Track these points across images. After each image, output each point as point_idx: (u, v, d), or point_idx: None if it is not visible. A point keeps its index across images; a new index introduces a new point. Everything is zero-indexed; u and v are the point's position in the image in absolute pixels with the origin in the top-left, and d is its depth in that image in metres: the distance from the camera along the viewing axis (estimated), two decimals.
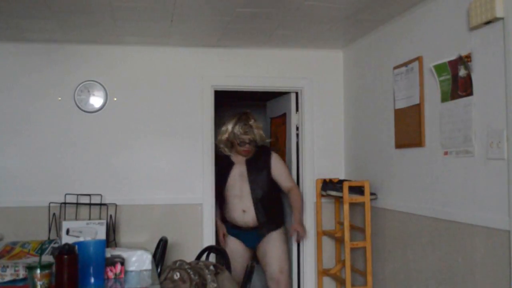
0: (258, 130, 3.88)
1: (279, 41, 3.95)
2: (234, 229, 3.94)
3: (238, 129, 3.83)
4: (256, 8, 3.13)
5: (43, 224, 3.75)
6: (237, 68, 4.15)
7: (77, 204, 3.81)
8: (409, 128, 3.16)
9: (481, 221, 2.48)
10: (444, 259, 2.80)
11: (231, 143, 3.92)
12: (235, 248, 3.93)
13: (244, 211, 3.86)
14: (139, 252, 2.78)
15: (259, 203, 3.86)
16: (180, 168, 4.04)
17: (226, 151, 3.97)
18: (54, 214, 3.76)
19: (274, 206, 3.98)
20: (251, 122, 3.86)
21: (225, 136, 3.90)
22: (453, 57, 2.70)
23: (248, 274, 2.70)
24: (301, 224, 3.93)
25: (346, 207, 3.54)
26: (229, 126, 3.88)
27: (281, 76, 4.20)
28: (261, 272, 4.15)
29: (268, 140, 4.04)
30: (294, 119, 4.36)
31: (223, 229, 4.00)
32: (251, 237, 3.91)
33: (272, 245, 3.88)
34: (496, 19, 2.36)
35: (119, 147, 3.97)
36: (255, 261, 3.15)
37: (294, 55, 4.21)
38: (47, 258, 2.74)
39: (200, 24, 3.46)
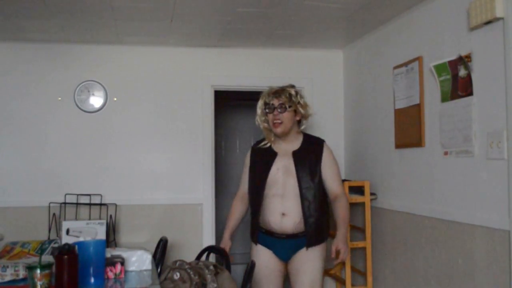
0: (293, 94, 3.09)
1: (279, 41, 3.94)
2: (267, 237, 3.13)
3: (267, 94, 3.10)
4: (256, 8, 3.13)
5: (43, 224, 3.75)
6: (237, 68, 4.15)
7: (77, 204, 3.81)
8: (409, 128, 3.16)
9: (481, 221, 2.48)
10: (444, 259, 2.80)
11: (267, 121, 3.14)
12: (266, 261, 3.11)
13: (283, 214, 3.05)
14: (139, 252, 2.78)
15: (310, 205, 3.05)
16: (180, 168, 4.04)
17: (269, 136, 3.18)
18: (54, 214, 3.76)
19: (323, 214, 3.14)
20: (286, 86, 3.15)
21: (259, 112, 3.14)
22: (453, 57, 2.69)
23: (248, 273, 2.69)
24: (345, 242, 3.05)
25: None
26: (261, 100, 3.15)
27: (281, 76, 4.19)
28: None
29: (310, 113, 3.21)
30: None
31: (227, 245, 3.23)
32: (287, 247, 3.10)
33: (309, 264, 3.09)
34: (496, 19, 2.36)
35: (119, 147, 3.97)
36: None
37: (294, 55, 4.21)
38: (47, 258, 2.74)
39: (200, 24, 3.46)
